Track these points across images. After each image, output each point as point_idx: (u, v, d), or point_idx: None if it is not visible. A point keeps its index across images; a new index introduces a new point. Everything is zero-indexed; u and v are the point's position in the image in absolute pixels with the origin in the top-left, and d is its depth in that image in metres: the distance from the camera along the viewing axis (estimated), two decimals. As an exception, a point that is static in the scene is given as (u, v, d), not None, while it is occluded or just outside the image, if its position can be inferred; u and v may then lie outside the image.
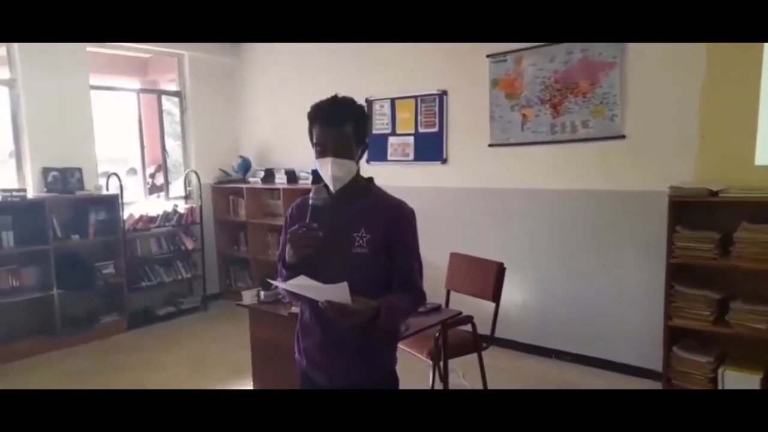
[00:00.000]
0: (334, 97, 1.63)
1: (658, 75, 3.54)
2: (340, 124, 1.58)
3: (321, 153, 1.61)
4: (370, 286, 1.56)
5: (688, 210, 3.25)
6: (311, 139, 1.64)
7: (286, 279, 1.61)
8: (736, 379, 3.11)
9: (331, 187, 1.63)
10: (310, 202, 1.61)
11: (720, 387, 3.16)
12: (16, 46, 4.66)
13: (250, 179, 5.89)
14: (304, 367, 1.79)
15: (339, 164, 1.59)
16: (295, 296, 1.74)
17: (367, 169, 4.99)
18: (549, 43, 3.93)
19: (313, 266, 1.57)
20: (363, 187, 1.71)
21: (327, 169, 1.60)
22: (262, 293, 3.15)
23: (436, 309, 3.07)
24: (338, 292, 1.45)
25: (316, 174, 5.26)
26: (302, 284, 1.53)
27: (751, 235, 3.03)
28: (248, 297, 3.18)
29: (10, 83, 4.72)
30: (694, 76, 3.38)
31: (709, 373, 3.18)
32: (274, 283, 1.60)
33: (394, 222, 1.66)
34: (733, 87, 3.27)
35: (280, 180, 5.55)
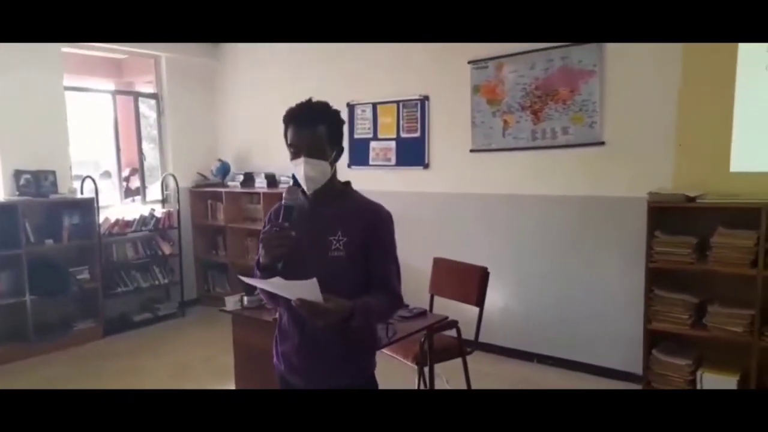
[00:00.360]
0: (309, 100, 1.65)
1: (637, 83, 3.61)
2: (313, 125, 1.60)
3: (295, 154, 1.62)
4: (347, 290, 1.55)
5: (667, 215, 3.32)
6: (286, 141, 1.64)
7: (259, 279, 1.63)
8: (714, 382, 3.18)
9: (305, 188, 1.63)
10: (283, 202, 1.61)
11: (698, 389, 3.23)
12: (-15, 44, 4.52)
13: (229, 183, 5.82)
14: (282, 371, 1.79)
15: (312, 164, 1.59)
16: (272, 299, 1.74)
17: (349, 173, 4.99)
18: (529, 51, 3.99)
19: (290, 269, 1.56)
20: (339, 190, 1.72)
21: (300, 169, 1.60)
22: (245, 299, 3.11)
23: (422, 314, 3.07)
24: (308, 289, 1.44)
25: (296, 178, 5.24)
26: (271, 282, 1.53)
27: (727, 240, 3.11)
28: (231, 303, 3.14)
29: (-20, 83, 4.58)
30: (671, 84, 3.47)
31: (688, 376, 3.25)
32: (245, 279, 1.59)
33: (371, 225, 1.66)
34: (708, 96, 3.36)
35: (260, 184, 5.50)
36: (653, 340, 3.40)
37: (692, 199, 3.16)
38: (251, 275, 1.65)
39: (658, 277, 3.33)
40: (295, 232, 1.56)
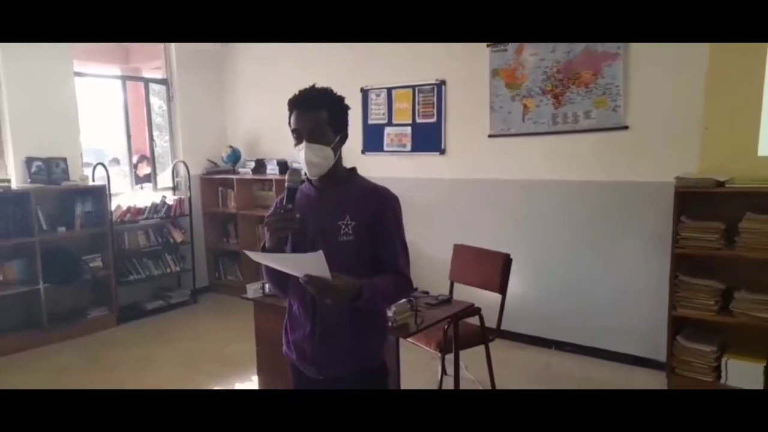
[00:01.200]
0: (312, 86, 1.66)
1: (662, 65, 3.54)
2: (315, 110, 1.61)
3: (297, 139, 1.63)
4: (357, 273, 1.55)
5: (693, 201, 3.27)
6: (290, 127, 1.65)
7: (264, 267, 1.68)
8: (740, 368, 3.15)
9: (308, 173, 1.64)
10: (286, 184, 1.59)
11: (723, 375, 3.20)
12: (-4, 29, 4.44)
13: (240, 170, 5.77)
14: (293, 359, 1.79)
15: (313, 149, 1.60)
16: (279, 286, 1.75)
17: (363, 159, 4.94)
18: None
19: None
20: (345, 176, 1.73)
21: (302, 154, 1.62)
22: (266, 286, 3.07)
23: (446, 301, 3.03)
24: (314, 262, 1.43)
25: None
26: (276, 256, 1.53)
27: (755, 225, 3.06)
28: (252, 290, 3.10)
29: (-10, 69, 4.51)
30: (697, 67, 3.40)
31: (713, 362, 3.22)
32: (250, 254, 1.57)
33: (378, 208, 1.66)
34: (737, 78, 3.29)
35: (272, 170, 5.44)
36: (677, 326, 3.36)
37: (721, 184, 3.10)
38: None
39: (683, 263, 3.29)
40: (299, 214, 1.56)
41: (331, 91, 1.67)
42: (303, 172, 1.67)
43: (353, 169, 1.75)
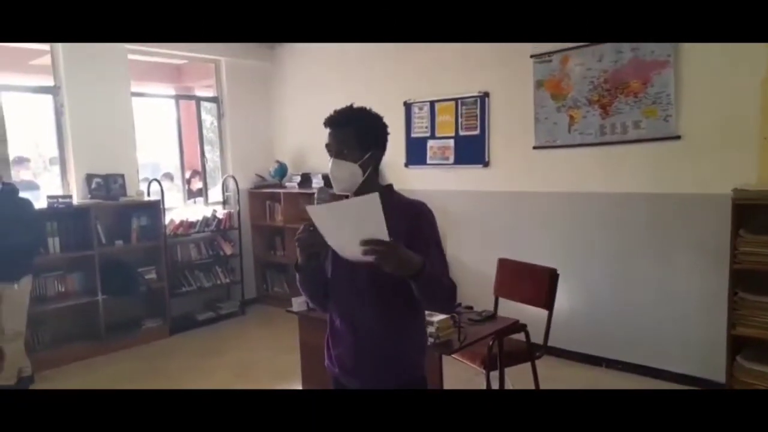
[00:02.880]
0: (348, 106, 1.71)
1: (715, 73, 3.41)
2: (342, 128, 1.66)
3: (330, 155, 1.68)
4: (395, 289, 1.58)
5: (752, 214, 3.11)
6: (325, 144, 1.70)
7: (299, 281, 1.73)
8: (807, 391, 2.96)
9: (335, 188, 1.69)
10: (315, 202, 1.62)
11: (788, 399, 3.01)
12: (60, 52, 4.73)
13: (287, 184, 5.89)
14: (336, 374, 1.81)
15: (339, 165, 1.65)
16: (320, 303, 1.78)
17: (406, 172, 4.95)
18: (596, 43, 3.83)
19: (339, 274, 1.65)
20: (380, 193, 1.68)
21: (330, 169, 1.67)
22: (311, 300, 3.11)
23: (491, 317, 2.99)
24: (369, 206, 1.38)
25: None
26: (331, 208, 1.48)
27: (821, 240, 2.88)
28: (297, 304, 3.15)
29: (54, 90, 4.79)
30: (752, 73, 3.25)
31: (777, 384, 3.03)
32: (309, 208, 1.50)
33: (414, 220, 1.67)
34: (799, 84, 3.12)
35: (317, 184, 5.52)
36: (737, 345, 3.19)
37: (782, 196, 2.94)
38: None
39: (742, 279, 3.13)
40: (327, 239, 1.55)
41: (365, 109, 1.70)
42: (330, 190, 1.70)
43: (389, 186, 1.76)
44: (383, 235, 1.39)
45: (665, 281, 3.71)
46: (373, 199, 1.37)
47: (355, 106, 1.71)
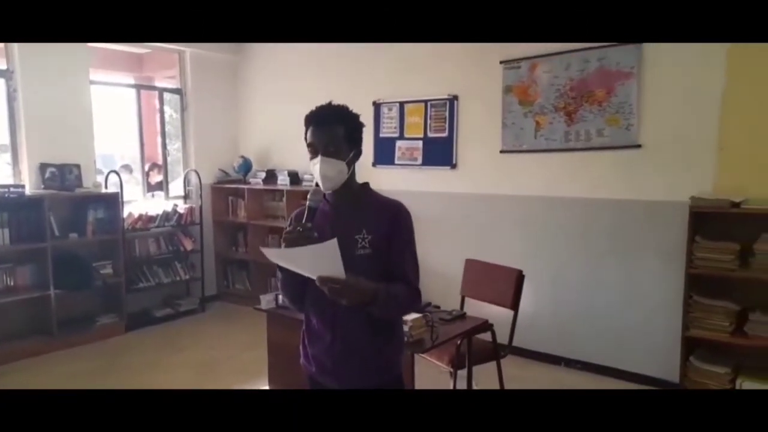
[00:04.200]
0: (329, 103, 1.71)
1: (677, 85, 3.56)
2: (330, 125, 1.65)
3: (313, 153, 1.66)
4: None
5: (708, 221, 3.27)
6: (306, 142, 1.69)
7: (281, 281, 1.74)
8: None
9: (321, 186, 1.67)
10: (307, 203, 1.63)
11: (736, 397, 3.18)
12: (15, 37, 4.50)
13: (251, 180, 5.79)
14: (313, 372, 1.81)
15: (328, 163, 1.64)
16: (296, 301, 1.79)
17: (374, 172, 4.96)
18: (564, 52, 3.94)
19: None
20: (358, 191, 1.77)
21: (317, 168, 1.65)
22: (279, 297, 3.08)
23: (461, 317, 3.03)
24: (328, 252, 1.44)
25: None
26: (290, 251, 1.54)
27: (771, 247, 3.05)
28: (266, 301, 3.11)
29: (7, 74, 4.56)
30: (713, 86, 3.40)
31: (727, 384, 3.19)
32: (264, 251, 1.58)
33: (393, 220, 1.70)
34: (754, 98, 3.29)
35: (283, 181, 5.46)
36: (690, 347, 3.34)
37: (737, 205, 3.10)
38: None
39: (697, 283, 3.28)
40: (317, 233, 1.58)
41: (347, 108, 1.72)
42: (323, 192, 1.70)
43: (366, 184, 1.79)
44: (340, 274, 1.47)
45: (625, 285, 3.84)
46: (333, 245, 1.43)
47: (334, 103, 1.71)
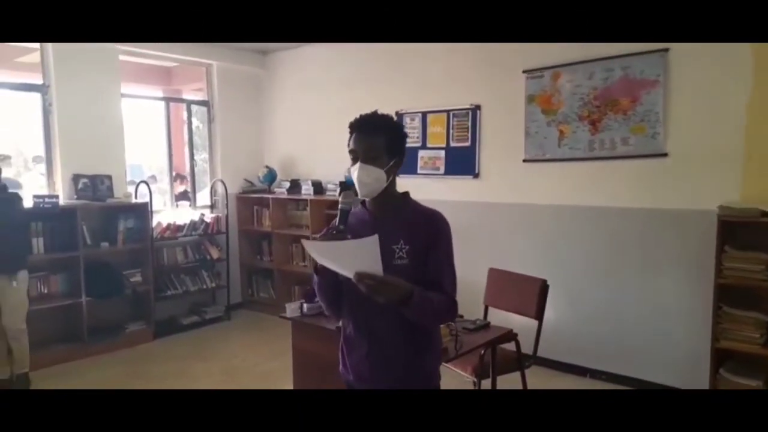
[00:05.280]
0: (374, 112, 1.73)
1: (704, 93, 3.52)
2: (372, 133, 1.67)
3: (353, 160, 1.68)
4: None
5: (736, 230, 3.21)
6: (348, 148, 1.71)
7: (317, 284, 1.74)
8: (786, 404, 3.05)
9: (359, 192, 1.68)
10: (339, 206, 1.64)
11: (768, 411, 3.11)
12: (50, 51, 4.67)
13: (276, 190, 5.88)
14: (350, 381, 1.81)
15: (366, 170, 1.65)
16: (333, 307, 1.79)
17: (396, 181, 4.97)
18: (588, 61, 3.94)
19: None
20: (399, 200, 1.76)
21: (355, 174, 1.67)
22: (305, 306, 3.11)
23: (485, 326, 3.02)
24: (368, 248, 1.45)
25: (342, 186, 5.27)
26: (329, 246, 1.56)
27: (802, 257, 2.99)
28: (291, 309, 3.14)
29: (43, 89, 4.73)
30: (739, 94, 3.37)
31: (758, 397, 3.12)
32: (305, 243, 1.62)
33: (431, 231, 1.70)
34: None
35: (307, 191, 5.53)
36: (720, 358, 3.28)
37: (767, 214, 3.05)
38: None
39: (726, 294, 3.22)
40: (351, 237, 1.59)
41: (391, 117, 1.74)
42: (354, 194, 1.71)
43: (406, 194, 1.78)
44: (378, 271, 1.47)
45: (652, 295, 3.79)
46: (374, 241, 1.44)
47: (379, 112, 1.73)
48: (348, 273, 1.52)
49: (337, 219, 1.62)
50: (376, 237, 1.45)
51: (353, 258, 1.51)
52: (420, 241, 1.67)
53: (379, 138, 1.66)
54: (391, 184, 1.72)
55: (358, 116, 1.71)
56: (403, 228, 1.68)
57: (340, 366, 1.85)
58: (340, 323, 1.85)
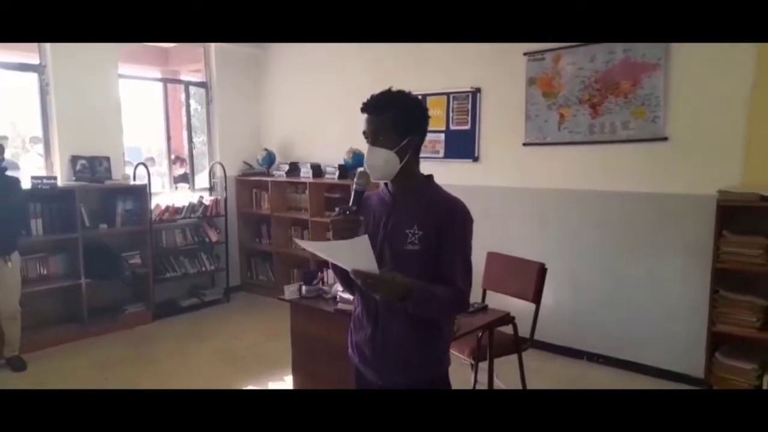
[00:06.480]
0: (387, 90, 1.64)
1: (705, 77, 3.49)
2: (379, 113, 1.59)
3: (367, 141, 1.63)
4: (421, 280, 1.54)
5: (735, 215, 3.21)
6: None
7: (331, 263, 1.67)
8: (781, 387, 3.08)
9: (371, 177, 1.62)
10: (353, 187, 1.59)
11: (763, 394, 3.14)
12: (47, 32, 4.62)
13: (275, 172, 5.86)
14: (356, 362, 1.78)
15: (373, 152, 1.60)
16: (347, 284, 1.75)
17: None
18: (589, 43, 3.89)
19: None
20: (420, 183, 1.68)
21: (365, 157, 1.62)
22: (303, 288, 3.12)
23: (483, 309, 3.04)
24: (358, 248, 1.42)
25: (342, 169, 5.26)
26: (320, 244, 1.56)
27: (800, 242, 3.00)
28: (289, 292, 3.15)
29: (40, 69, 4.68)
30: (742, 79, 3.34)
31: (754, 381, 3.15)
32: (299, 242, 1.60)
33: (447, 219, 1.61)
34: (784, 91, 3.22)
35: (306, 174, 5.51)
36: (716, 342, 3.30)
37: (766, 199, 3.05)
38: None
39: (724, 278, 3.24)
40: (375, 221, 1.55)
41: (403, 93, 1.63)
42: (368, 175, 1.65)
43: (429, 177, 1.70)
44: (373, 269, 1.44)
45: (649, 278, 3.80)
46: (363, 241, 1.41)
47: (393, 89, 1.64)
48: (347, 268, 1.51)
49: (351, 199, 1.57)
50: (365, 237, 1.41)
51: (347, 256, 1.50)
52: (434, 228, 1.59)
53: (386, 116, 1.58)
54: (409, 165, 1.62)
55: (369, 97, 1.62)
56: (419, 212, 1.61)
57: (349, 347, 1.81)
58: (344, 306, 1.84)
